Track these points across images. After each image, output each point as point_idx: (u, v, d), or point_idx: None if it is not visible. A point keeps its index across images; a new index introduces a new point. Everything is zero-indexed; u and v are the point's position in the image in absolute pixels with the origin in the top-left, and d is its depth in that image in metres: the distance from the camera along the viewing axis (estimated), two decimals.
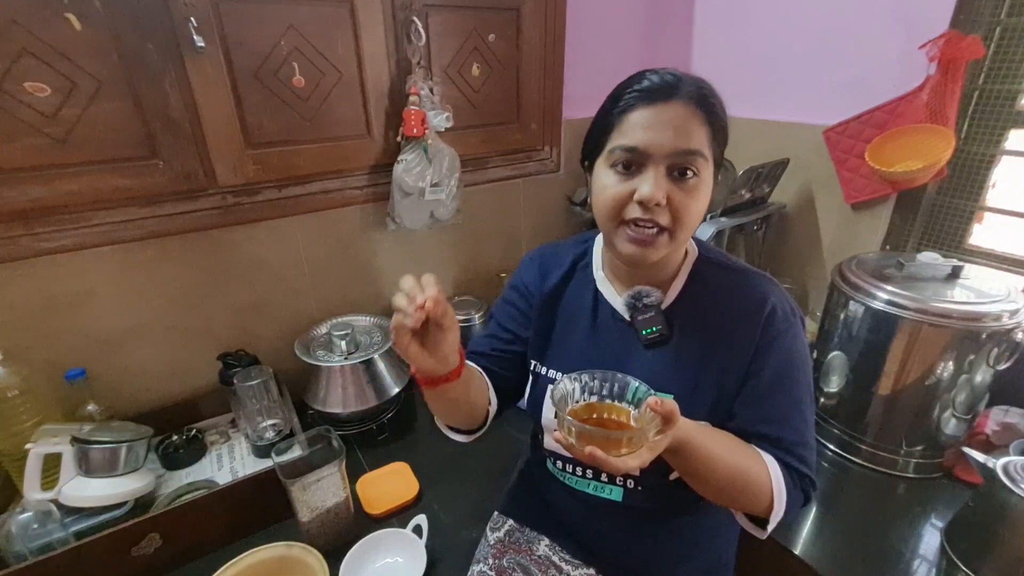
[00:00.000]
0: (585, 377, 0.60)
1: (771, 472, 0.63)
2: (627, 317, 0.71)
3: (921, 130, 1.10)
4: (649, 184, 0.59)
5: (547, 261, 0.81)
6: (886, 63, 1.17)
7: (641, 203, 0.60)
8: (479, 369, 0.77)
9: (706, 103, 0.61)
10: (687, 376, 0.68)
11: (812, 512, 0.97)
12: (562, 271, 0.78)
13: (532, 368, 0.79)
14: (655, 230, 0.61)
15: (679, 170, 0.60)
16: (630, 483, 0.73)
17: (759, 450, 0.65)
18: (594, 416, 0.58)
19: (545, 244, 0.85)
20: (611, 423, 0.58)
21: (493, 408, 0.78)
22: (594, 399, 0.60)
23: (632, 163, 0.61)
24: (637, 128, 0.60)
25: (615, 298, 0.73)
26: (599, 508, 0.76)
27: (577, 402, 0.60)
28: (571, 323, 0.76)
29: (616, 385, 0.59)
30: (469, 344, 0.81)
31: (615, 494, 0.74)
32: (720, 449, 0.61)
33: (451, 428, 0.79)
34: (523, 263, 0.83)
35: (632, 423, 0.57)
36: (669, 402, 0.52)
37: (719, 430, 0.66)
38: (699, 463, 0.59)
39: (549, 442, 0.77)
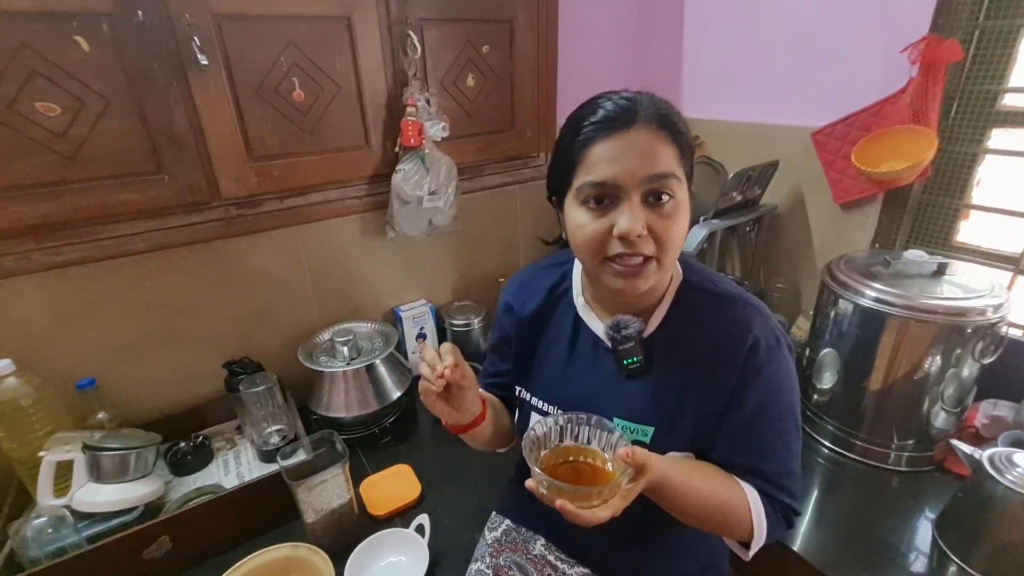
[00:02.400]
0: (561, 420, 0.60)
1: (751, 503, 0.64)
2: (609, 345, 0.70)
3: (905, 131, 1.12)
4: (626, 218, 0.57)
5: (522, 294, 0.80)
6: (870, 66, 1.20)
7: (621, 238, 0.58)
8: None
9: (667, 122, 0.58)
10: (666, 407, 0.67)
11: (808, 507, 0.99)
12: (540, 299, 0.77)
13: (517, 394, 0.80)
14: (640, 260, 0.59)
15: (654, 195, 0.58)
16: None
17: (740, 481, 0.66)
18: (569, 459, 0.59)
19: (519, 272, 0.85)
20: (585, 468, 0.58)
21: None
22: (569, 442, 0.60)
23: (604, 197, 0.59)
24: (602, 162, 0.58)
25: (597, 325, 0.72)
26: None
27: (554, 445, 0.60)
28: (551, 350, 0.76)
29: (590, 429, 0.60)
30: None
31: None
32: (698, 483, 0.62)
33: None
34: (500, 308, 0.83)
35: (607, 466, 0.57)
36: (641, 453, 0.52)
37: (698, 462, 0.67)
38: (676, 499, 0.60)
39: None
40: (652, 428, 0.67)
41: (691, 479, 0.61)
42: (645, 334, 0.68)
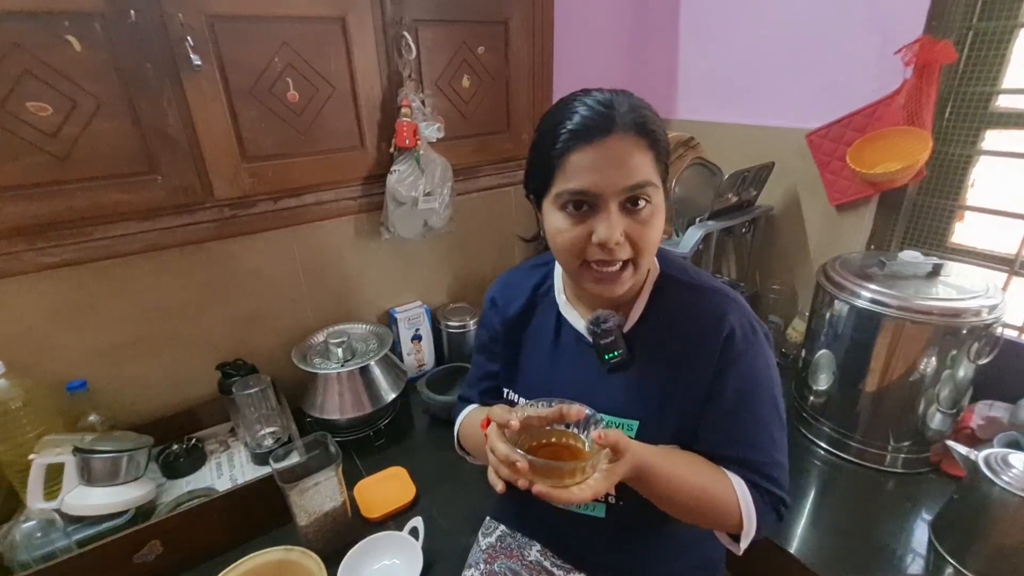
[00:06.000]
0: (540, 406, 0.59)
1: (738, 493, 0.64)
2: (590, 340, 0.71)
3: (899, 132, 1.13)
4: (604, 227, 0.58)
5: (507, 292, 0.81)
6: (865, 68, 1.20)
7: (600, 245, 0.59)
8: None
9: (645, 129, 0.58)
10: (650, 400, 0.68)
11: (804, 509, 0.99)
12: (523, 300, 0.78)
13: (505, 396, 0.79)
14: (618, 266, 0.61)
15: (631, 201, 0.59)
16: (611, 499, 0.73)
17: (726, 471, 0.65)
18: (552, 440, 0.59)
19: (503, 274, 0.86)
20: (564, 450, 0.58)
21: None
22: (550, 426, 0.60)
23: (583, 203, 0.60)
24: (581, 171, 0.58)
25: (579, 321, 0.73)
26: (585, 523, 0.76)
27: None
28: (536, 349, 0.77)
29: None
30: (460, 391, 0.90)
31: (598, 511, 0.74)
32: (683, 472, 0.61)
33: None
34: (486, 304, 0.84)
35: (586, 448, 0.57)
36: (613, 433, 0.53)
37: (684, 452, 0.66)
38: (662, 488, 0.60)
39: None
40: (637, 422, 0.67)
41: (676, 468, 0.61)
42: (625, 328, 0.69)
